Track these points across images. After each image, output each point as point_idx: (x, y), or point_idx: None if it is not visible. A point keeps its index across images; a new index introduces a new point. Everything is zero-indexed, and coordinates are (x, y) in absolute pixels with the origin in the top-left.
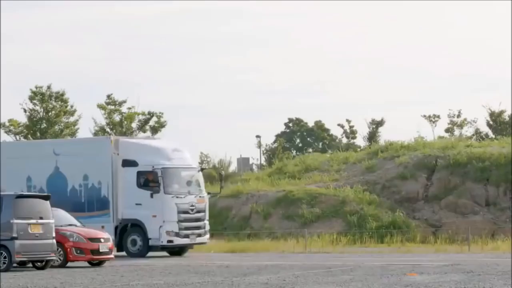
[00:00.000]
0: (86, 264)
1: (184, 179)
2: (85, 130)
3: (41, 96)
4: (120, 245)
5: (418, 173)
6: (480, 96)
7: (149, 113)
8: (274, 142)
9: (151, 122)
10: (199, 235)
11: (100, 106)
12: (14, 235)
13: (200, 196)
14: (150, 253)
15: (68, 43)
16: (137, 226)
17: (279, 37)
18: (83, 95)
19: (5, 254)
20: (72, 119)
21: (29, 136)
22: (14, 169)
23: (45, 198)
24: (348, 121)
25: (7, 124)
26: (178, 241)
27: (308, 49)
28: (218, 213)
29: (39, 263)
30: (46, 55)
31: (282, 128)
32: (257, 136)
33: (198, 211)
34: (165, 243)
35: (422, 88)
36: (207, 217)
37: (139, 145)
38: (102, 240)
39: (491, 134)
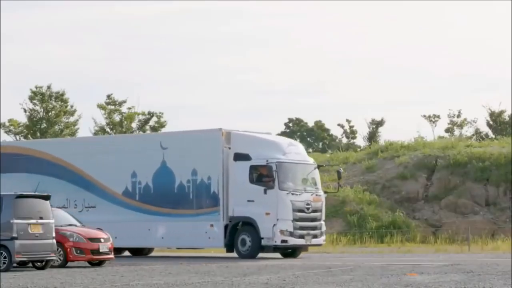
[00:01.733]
0: (86, 264)
1: (300, 176)
2: (85, 130)
3: (41, 96)
4: (230, 244)
5: (418, 173)
6: (480, 96)
7: (149, 113)
8: None
9: (151, 122)
10: (315, 236)
11: (100, 106)
12: (14, 235)
13: (316, 195)
14: (260, 254)
15: (68, 43)
16: (249, 225)
17: (279, 37)
18: (83, 95)
19: (5, 254)
20: (72, 119)
21: (29, 136)
22: (119, 164)
23: (45, 198)
24: (348, 121)
25: (7, 124)
26: (293, 241)
27: (308, 49)
28: None
29: (39, 263)
30: (46, 55)
31: (282, 128)
32: None
33: (314, 210)
34: (278, 243)
35: (422, 88)
36: (323, 217)
37: (252, 138)
38: (102, 240)
39: (491, 134)
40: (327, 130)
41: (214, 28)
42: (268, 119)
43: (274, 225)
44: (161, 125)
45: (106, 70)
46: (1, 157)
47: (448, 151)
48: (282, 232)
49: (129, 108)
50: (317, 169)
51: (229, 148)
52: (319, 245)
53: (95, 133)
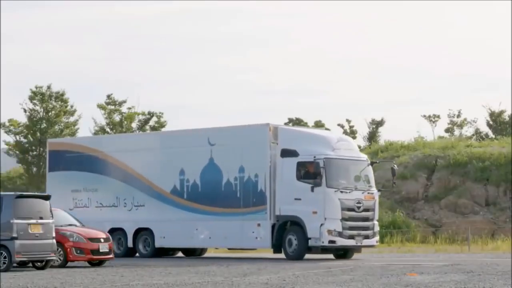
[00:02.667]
0: (86, 264)
1: (350, 172)
2: (85, 130)
3: (41, 96)
4: (277, 245)
5: (418, 173)
6: (480, 96)
7: (149, 113)
8: None
9: (151, 122)
10: (366, 237)
11: (100, 106)
12: (14, 235)
13: (368, 193)
14: (308, 256)
15: (68, 43)
16: (296, 224)
17: (279, 37)
18: (83, 95)
19: (5, 254)
20: (72, 119)
21: (29, 136)
22: (168, 161)
23: (45, 198)
24: (348, 121)
25: (7, 124)
26: (341, 242)
27: (308, 49)
28: None
29: (39, 263)
30: (46, 55)
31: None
32: None
33: (366, 209)
34: (326, 243)
35: (422, 88)
36: (376, 216)
37: (300, 134)
38: (102, 240)
39: (491, 134)
40: (327, 130)
41: (214, 28)
42: (268, 119)
43: (322, 224)
44: (161, 125)
45: (106, 70)
46: (51, 154)
47: (448, 151)
48: (329, 232)
49: (129, 108)
50: (370, 166)
51: (276, 143)
52: (372, 246)
53: (95, 133)
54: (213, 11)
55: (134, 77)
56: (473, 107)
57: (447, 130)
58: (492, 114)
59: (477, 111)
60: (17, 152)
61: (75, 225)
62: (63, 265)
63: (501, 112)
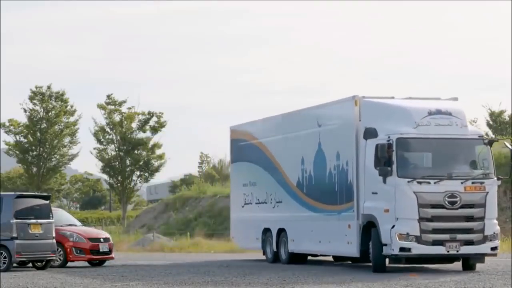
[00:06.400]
0: (86, 264)
1: (443, 156)
2: (85, 130)
3: (41, 96)
4: (364, 251)
5: None
6: (480, 96)
7: (149, 113)
8: None
9: (151, 122)
10: (469, 242)
11: (100, 106)
12: (14, 235)
13: (473, 182)
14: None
15: (68, 43)
16: (374, 226)
17: (279, 37)
18: (83, 95)
19: (5, 254)
20: (72, 119)
21: (29, 136)
22: (293, 148)
23: (45, 198)
24: None
25: (7, 124)
26: (420, 249)
27: (308, 49)
28: (218, 213)
29: (39, 263)
30: (46, 55)
31: None
32: None
33: (466, 205)
34: (396, 251)
35: (423, 88)
36: (489, 214)
37: (383, 106)
38: (102, 240)
39: (491, 134)
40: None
41: (214, 28)
42: None
43: (393, 226)
44: (161, 125)
45: (106, 70)
46: (234, 144)
47: None
48: (401, 236)
49: (129, 108)
50: (483, 146)
51: (360, 121)
52: (482, 255)
53: (95, 133)
54: (213, 11)
55: (134, 77)
56: (473, 107)
57: None
58: (492, 114)
59: (477, 111)
60: (17, 152)
61: (75, 225)
62: (63, 265)
63: (501, 112)
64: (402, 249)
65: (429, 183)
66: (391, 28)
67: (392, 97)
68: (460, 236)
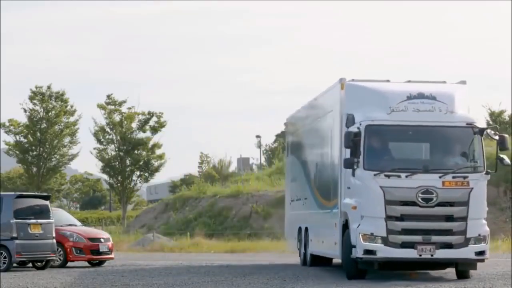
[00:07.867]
0: (86, 264)
1: (417, 146)
2: (85, 130)
3: (41, 96)
4: (346, 253)
5: None
6: (480, 96)
7: (149, 113)
8: (274, 142)
9: (151, 122)
10: (447, 245)
11: (100, 106)
12: (14, 235)
13: (454, 176)
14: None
15: (68, 43)
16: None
17: (280, 37)
18: (83, 95)
19: (5, 254)
20: (72, 119)
21: (29, 136)
22: (309, 142)
23: (45, 198)
24: None
25: (7, 124)
26: (387, 252)
27: (308, 50)
28: (218, 213)
29: (39, 263)
30: (46, 55)
31: (282, 128)
32: (257, 136)
33: (445, 203)
34: (360, 254)
35: None
36: (472, 214)
37: (363, 90)
38: (102, 240)
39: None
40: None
41: (214, 28)
42: (268, 119)
43: (358, 225)
44: (161, 125)
45: (106, 70)
46: (286, 136)
47: None
48: (365, 236)
49: (129, 108)
50: (471, 135)
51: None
52: (466, 260)
53: (95, 133)
54: (213, 11)
55: (134, 77)
56: (473, 107)
57: None
58: (492, 114)
59: (477, 111)
60: (17, 152)
61: (75, 225)
62: (63, 265)
63: (501, 112)
64: (366, 251)
65: (399, 176)
66: (391, 28)
67: (387, 80)
68: (435, 238)
